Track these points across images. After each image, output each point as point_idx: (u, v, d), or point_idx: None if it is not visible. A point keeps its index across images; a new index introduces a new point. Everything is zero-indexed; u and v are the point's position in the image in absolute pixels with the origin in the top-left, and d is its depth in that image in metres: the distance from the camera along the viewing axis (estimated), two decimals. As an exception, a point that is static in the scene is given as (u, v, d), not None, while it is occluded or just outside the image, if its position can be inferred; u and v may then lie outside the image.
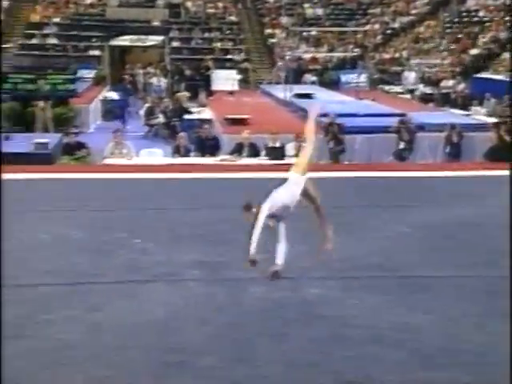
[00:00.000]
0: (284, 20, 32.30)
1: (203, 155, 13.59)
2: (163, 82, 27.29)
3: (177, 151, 13.41)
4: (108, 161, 12.92)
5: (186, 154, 13.43)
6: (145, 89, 27.87)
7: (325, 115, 14.56)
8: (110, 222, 8.36)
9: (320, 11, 33.11)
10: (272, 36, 31.77)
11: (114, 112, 23.74)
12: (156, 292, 6.02)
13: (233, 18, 33.00)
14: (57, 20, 31.45)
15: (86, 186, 10.94)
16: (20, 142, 15.80)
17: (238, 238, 6.80)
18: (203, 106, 21.70)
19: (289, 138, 13.60)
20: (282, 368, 4.67)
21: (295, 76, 25.30)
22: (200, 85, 26.16)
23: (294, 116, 18.55)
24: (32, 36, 30.19)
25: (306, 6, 33.73)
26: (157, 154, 13.82)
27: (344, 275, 6.49)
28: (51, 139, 15.79)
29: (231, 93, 24.95)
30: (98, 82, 26.89)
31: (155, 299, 5.81)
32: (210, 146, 13.79)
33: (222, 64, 28.99)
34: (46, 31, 30.51)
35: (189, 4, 33.51)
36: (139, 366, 4.72)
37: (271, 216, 6.00)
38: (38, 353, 4.91)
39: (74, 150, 14.96)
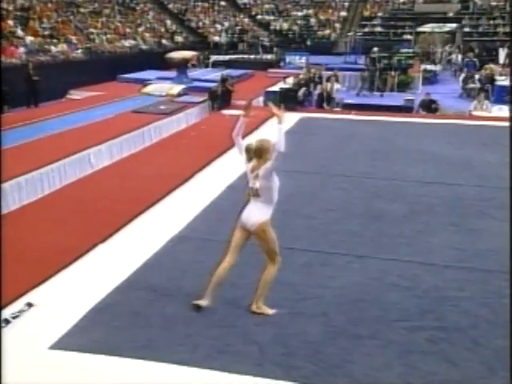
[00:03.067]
0: (557, 8, 28.95)
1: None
2: (459, 57, 26.53)
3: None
4: (474, 113, 13.30)
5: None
6: (440, 62, 27.43)
7: None
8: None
9: None
10: (545, 21, 28.76)
11: (429, 79, 23.83)
12: None
13: (512, 8, 30.39)
14: (380, 14, 31.73)
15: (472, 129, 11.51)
16: (394, 98, 16.82)
17: None
18: (502, 75, 20.77)
19: None
20: None
21: None
22: (486, 60, 24.96)
23: None
24: (365, 26, 30.87)
25: None
26: (504, 110, 13.85)
27: None
28: (415, 96, 16.56)
29: (519, 65, 23.37)
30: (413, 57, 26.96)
31: None
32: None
33: (503, 44, 27.09)
34: (373, 22, 30.98)
35: (478, -1, 31.52)
36: None
37: None
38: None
39: (428, 105, 15.54)
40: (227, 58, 23.56)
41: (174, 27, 27.38)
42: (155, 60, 19.66)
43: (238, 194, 7.02)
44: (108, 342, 3.84)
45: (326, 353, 3.79)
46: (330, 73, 17.65)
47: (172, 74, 16.88)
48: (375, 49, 20.01)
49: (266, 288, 4.17)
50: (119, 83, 16.96)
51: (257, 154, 4.08)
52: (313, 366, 3.65)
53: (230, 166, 8.45)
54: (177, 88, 14.89)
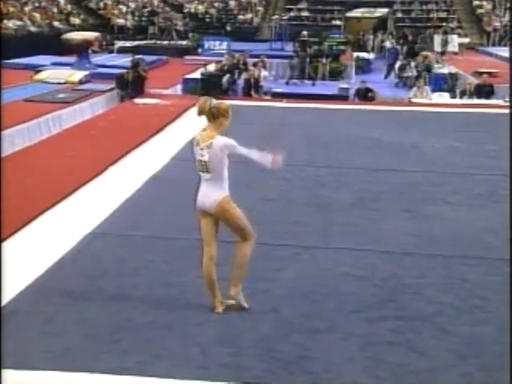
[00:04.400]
0: (491, -7, 31.09)
1: (479, 98, 14.24)
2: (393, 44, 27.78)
3: (464, 94, 14.17)
4: (414, 100, 13.94)
5: (470, 96, 14.15)
6: (372, 49, 28.64)
7: None
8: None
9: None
10: (480, 7, 30.80)
11: (362, 67, 24.74)
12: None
13: (446, -8, 32.30)
14: (307, -3, 32.61)
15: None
16: (327, 87, 17.31)
17: None
18: (439, 62, 21.92)
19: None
20: None
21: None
22: (420, 47, 26.34)
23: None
24: (290, 10, 31.57)
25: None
26: (444, 96, 14.63)
27: None
28: (349, 85, 17.12)
29: (456, 53, 24.86)
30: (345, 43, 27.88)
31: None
32: (486, 92, 14.38)
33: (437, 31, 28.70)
34: (300, 6, 31.77)
35: (408, -19, 33.11)
36: None
37: None
38: None
39: (364, 94, 16.12)
40: (135, 43, 23.20)
41: (69, 7, 26.60)
42: (48, 44, 19.00)
43: (164, 184, 6.98)
44: (16, 354, 3.57)
45: (279, 350, 3.75)
46: (256, 60, 17.84)
47: (71, 59, 16.40)
48: (305, 32, 20.47)
49: (243, 269, 4.12)
50: (4, 69, 16.18)
51: (211, 113, 3.95)
52: (265, 364, 3.59)
53: (151, 157, 8.35)
54: (78, 74, 14.45)
